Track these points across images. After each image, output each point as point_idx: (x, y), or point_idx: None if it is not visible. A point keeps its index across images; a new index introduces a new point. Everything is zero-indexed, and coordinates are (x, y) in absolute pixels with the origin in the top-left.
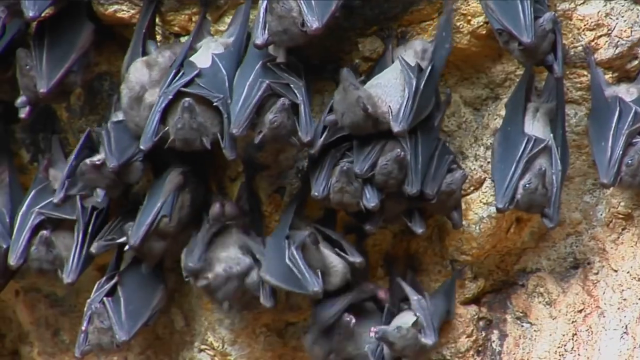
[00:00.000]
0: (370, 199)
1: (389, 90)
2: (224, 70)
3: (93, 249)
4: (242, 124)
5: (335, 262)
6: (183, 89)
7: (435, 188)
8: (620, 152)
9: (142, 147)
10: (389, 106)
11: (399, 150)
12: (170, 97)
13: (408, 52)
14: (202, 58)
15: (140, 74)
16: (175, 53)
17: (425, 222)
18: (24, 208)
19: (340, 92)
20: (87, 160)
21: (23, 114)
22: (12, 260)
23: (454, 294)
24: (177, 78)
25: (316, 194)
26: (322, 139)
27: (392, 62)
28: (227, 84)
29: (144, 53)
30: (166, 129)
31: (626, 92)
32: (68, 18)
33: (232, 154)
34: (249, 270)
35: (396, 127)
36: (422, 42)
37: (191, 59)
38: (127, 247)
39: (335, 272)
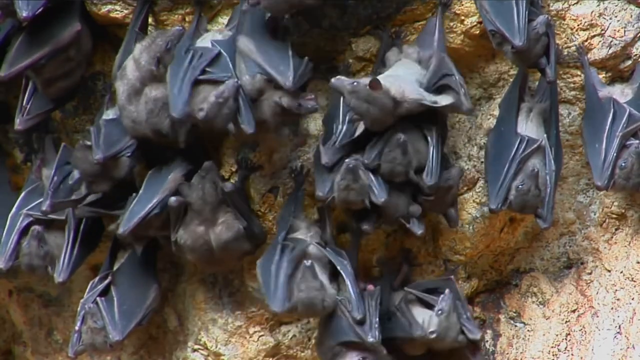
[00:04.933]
0: (379, 194)
1: (405, 79)
2: (224, 53)
3: (77, 212)
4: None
5: (330, 292)
6: (200, 77)
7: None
8: (614, 155)
9: (173, 114)
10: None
11: (400, 134)
12: (197, 73)
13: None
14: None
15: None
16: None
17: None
18: (13, 210)
19: (351, 97)
20: (80, 142)
21: None
22: (1, 263)
23: None
24: (196, 59)
25: (320, 194)
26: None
27: (393, 56)
28: (230, 64)
29: None
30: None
31: (621, 93)
32: (59, 17)
33: (250, 127)
34: None
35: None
36: (416, 50)
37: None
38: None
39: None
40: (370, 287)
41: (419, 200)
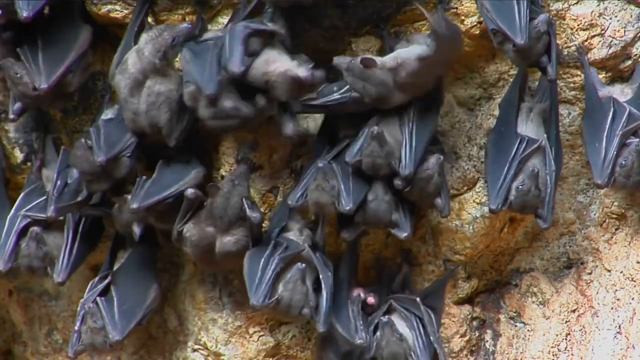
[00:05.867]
0: (346, 203)
1: (403, 51)
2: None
3: (82, 211)
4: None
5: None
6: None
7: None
8: (614, 153)
9: (233, 69)
10: None
11: (375, 127)
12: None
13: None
14: None
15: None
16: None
17: (415, 224)
18: (12, 211)
19: (347, 75)
20: (81, 140)
21: (13, 114)
22: (1, 265)
23: (444, 294)
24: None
25: (289, 202)
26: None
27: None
28: None
29: None
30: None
31: (620, 92)
32: (62, 18)
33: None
34: None
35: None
36: (424, 36)
37: None
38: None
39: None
40: (371, 299)
41: (400, 192)
